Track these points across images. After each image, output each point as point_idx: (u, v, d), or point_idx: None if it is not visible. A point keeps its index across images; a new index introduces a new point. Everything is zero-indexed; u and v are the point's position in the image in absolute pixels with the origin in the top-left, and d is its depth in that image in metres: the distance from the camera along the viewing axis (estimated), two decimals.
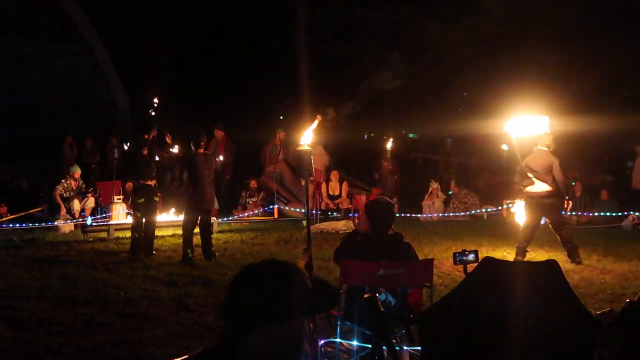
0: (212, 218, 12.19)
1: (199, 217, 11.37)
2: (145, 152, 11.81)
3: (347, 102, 18.78)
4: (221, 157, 17.37)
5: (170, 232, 13.72)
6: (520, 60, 18.87)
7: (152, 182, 11.79)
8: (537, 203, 11.13)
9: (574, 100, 17.71)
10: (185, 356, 2.42)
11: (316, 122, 6.96)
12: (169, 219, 14.47)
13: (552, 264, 3.77)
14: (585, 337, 3.69)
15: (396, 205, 17.86)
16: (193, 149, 11.36)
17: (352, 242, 6.14)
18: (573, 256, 10.97)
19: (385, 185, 18.16)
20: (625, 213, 15.61)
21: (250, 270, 2.39)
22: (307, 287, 2.37)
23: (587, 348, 3.71)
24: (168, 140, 12.22)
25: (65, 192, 15.32)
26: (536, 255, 11.52)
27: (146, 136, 11.93)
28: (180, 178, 17.32)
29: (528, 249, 11.40)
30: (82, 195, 15.50)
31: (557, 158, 11.17)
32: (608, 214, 15.73)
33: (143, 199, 11.72)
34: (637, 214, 15.49)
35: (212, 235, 11.94)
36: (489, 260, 3.80)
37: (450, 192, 17.82)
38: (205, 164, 11.35)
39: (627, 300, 4.09)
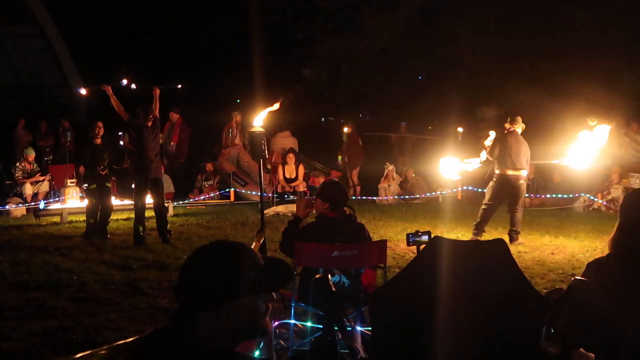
0: (167, 201, 12.09)
1: (153, 200, 11.30)
2: (99, 141, 11.65)
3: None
4: (172, 143, 17.32)
5: (124, 215, 13.59)
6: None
7: (104, 172, 11.66)
8: (513, 185, 11.30)
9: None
10: (136, 337, 2.43)
11: (276, 105, 6.88)
12: (124, 203, 14.29)
13: (499, 243, 3.83)
14: (532, 314, 3.77)
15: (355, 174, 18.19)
16: (141, 120, 11.18)
17: (300, 227, 6.14)
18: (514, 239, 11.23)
19: (351, 151, 18.44)
20: (577, 195, 15.89)
21: (201, 251, 2.40)
22: (259, 265, 2.38)
23: (534, 324, 3.79)
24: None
25: (22, 175, 15.14)
26: (490, 236, 11.70)
27: (99, 123, 11.76)
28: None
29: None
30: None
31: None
32: (560, 195, 16.00)
33: (94, 186, 11.60)
34: (588, 195, 15.79)
35: (168, 219, 11.86)
36: (437, 239, 3.86)
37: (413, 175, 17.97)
38: (151, 135, 11.19)
39: (574, 277, 4.19)
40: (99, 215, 11.67)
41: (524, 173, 11.37)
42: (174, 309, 2.37)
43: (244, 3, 22.93)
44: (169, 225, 11.48)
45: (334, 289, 3.37)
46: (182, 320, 2.31)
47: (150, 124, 11.17)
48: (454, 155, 11.85)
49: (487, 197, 11.49)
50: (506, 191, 11.33)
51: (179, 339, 2.30)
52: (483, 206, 11.46)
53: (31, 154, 15.56)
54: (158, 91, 11.56)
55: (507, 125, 11.47)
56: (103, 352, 5.61)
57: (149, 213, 11.54)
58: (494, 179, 11.39)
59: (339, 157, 18.78)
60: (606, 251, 3.94)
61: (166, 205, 12.17)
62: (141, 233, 10.96)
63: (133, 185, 11.71)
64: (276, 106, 6.69)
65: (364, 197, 16.99)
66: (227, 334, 2.31)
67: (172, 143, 18.35)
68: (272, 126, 15.16)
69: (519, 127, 11.40)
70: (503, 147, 11.24)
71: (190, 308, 2.31)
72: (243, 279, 2.32)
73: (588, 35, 18.45)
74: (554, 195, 16.09)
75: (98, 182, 11.58)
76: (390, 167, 17.52)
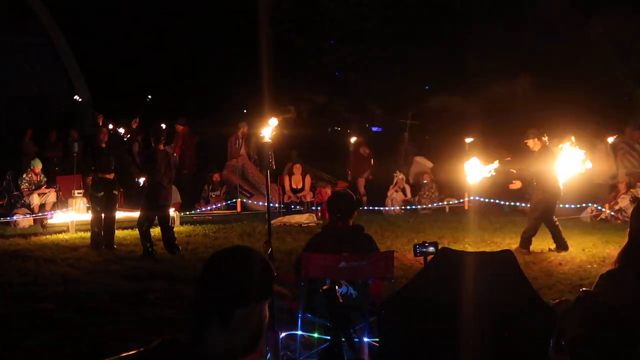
0: (174, 211, 12.06)
1: (157, 216, 11.23)
2: (104, 145, 11.68)
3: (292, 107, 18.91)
4: (174, 154, 17.33)
5: (131, 225, 13.60)
6: None
7: (111, 176, 11.65)
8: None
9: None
10: (142, 348, 2.44)
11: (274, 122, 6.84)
12: (131, 214, 14.29)
13: (507, 255, 3.82)
14: (540, 326, 3.75)
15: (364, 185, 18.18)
16: (153, 144, 11.19)
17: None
18: (562, 246, 11.30)
19: (359, 162, 18.46)
20: (584, 205, 15.84)
21: (219, 255, 2.42)
22: (270, 270, 2.40)
23: (542, 336, 3.78)
24: (134, 124, 11.92)
25: (30, 186, 15.18)
26: (499, 246, 11.71)
27: (104, 129, 11.81)
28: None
29: (488, 240, 11.61)
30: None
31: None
32: (567, 206, 15.94)
33: (102, 192, 11.57)
34: (595, 206, 15.74)
35: (175, 229, 11.84)
36: (445, 251, 3.85)
37: (425, 182, 17.89)
38: (165, 161, 11.20)
39: (582, 289, 4.18)
40: (102, 224, 11.68)
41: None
42: (183, 319, 2.38)
43: (253, 12, 22.99)
44: (176, 241, 11.41)
45: (341, 300, 3.36)
46: (193, 329, 2.32)
47: (161, 146, 11.15)
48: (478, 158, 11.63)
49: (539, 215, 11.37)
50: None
51: (188, 348, 2.31)
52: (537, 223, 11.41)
53: (38, 166, 15.56)
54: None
55: (545, 139, 11.36)
56: None
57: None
58: (547, 196, 11.29)
59: (349, 172, 18.91)
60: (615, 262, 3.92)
61: (172, 215, 12.15)
62: (150, 249, 10.94)
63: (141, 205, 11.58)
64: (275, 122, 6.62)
65: (371, 208, 16.97)
66: (237, 342, 2.32)
67: (174, 154, 18.41)
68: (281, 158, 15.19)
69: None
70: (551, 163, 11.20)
71: (205, 313, 2.32)
72: (256, 284, 2.34)
73: (598, 45, 18.47)
74: (561, 206, 16.02)
75: (106, 189, 11.57)
76: (400, 176, 17.51)
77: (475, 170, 11.18)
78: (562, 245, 11.30)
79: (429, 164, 19.00)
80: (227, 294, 2.30)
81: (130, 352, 2.39)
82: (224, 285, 2.31)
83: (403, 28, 20.96)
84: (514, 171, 11.64)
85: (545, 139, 11.34)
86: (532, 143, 11.35)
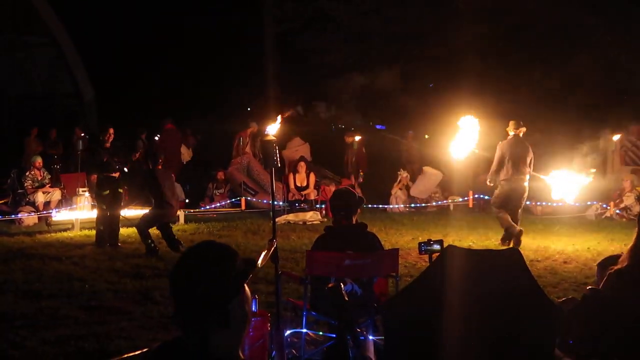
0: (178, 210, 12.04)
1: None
2: (108, 145, 11.68)
3: (321, 103, 18.93)
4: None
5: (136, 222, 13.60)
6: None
7: (116, 175, 11.65)
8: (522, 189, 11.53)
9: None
10: (146, 349, 2.44)
11: (279, 119, 6.82)
12: (136, 212, 14.29)
13: (514, 252, 3.81)
14: (547, 324, 3.74)
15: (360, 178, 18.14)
16: (151, 166, 11.21)
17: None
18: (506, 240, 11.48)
19: (355, 159, 18.44)
20: (589, 203, 15.81)
21: (191, 257, 2.41)
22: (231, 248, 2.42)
23: (549, 334, 3.76)
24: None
25: (33, 184, 15.18)
26: (495, 240, 11.80)
27: (111, 130, 11.80)
28: None
29: (492, 238, 11.66)
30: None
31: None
32: (572, 204, 15.90)
33: (107, 191, 11.57)
34: (600, 204, 15.71)
35: (179, 227, 11.83)
36: (451, 249, 3.83)
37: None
38: (165, 177, 11.21)
39: (588, 287, 4.17)
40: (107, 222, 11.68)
41: (528, 177, 11.57)
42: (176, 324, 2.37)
43: (256, 12, 23.00)
44: (179, 237, 11.41)
45: (346, 298, 3.35)
46: (198, 336, 2.31)
47: (160, 167, 11.16)
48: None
49: (497, 205, 11.60)
50: (514, 197, 11.48)
51: (187, 349, 2.31)
52: (500, 214, 11.54)
53: (38, 159, 15.59)
54: None
55: (512, 130, 11.65)
56: None
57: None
58: (502, 186, 11.47)
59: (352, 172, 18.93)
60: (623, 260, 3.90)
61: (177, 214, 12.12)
62: (151, 245, 10.93)
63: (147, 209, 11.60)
64: (279, 119, 6.61)
65: (375, 206, 16.96)
66: (235, 334, 2.32)
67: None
68: (281, 137, 15.18)
69: (521, 132, 11.64)
70: (510, 153, 11.43)
71: (189, 318, 2.32)
72: (236, 270, 2.34)
73: (598, 44, 18.44)
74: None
75: (111, 187, 11.57)
76: (404, 174, 17.47)
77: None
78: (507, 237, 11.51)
79: (439, 175, 18.53)
80: (220, 289, 2.30)
81: (134, 353, 2.39)
82: (215, 282, 2.30)
83: (405, 29, 20.98)
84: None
85: (519, 130, 11.62)
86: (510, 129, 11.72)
